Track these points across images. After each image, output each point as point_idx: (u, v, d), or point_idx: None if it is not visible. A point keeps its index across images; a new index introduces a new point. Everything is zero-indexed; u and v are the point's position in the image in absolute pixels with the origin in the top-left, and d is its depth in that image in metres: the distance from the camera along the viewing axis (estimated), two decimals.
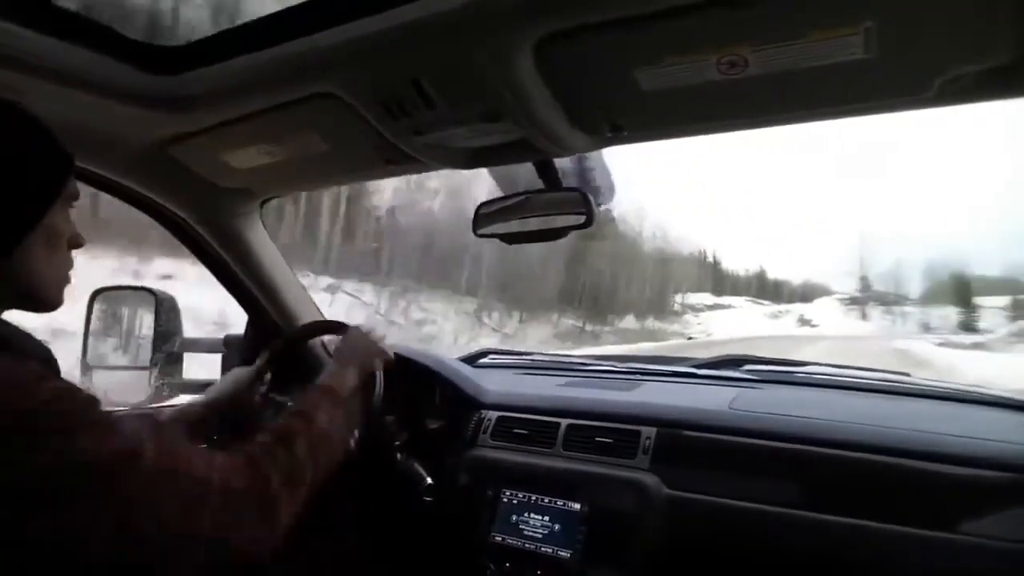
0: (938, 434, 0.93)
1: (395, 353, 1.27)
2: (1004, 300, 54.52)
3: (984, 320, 50.88)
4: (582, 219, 0.98)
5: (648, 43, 0.67)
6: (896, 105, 0.75)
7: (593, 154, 1.05)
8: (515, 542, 1.08)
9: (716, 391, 1.23)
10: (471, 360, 1.62)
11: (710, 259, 73.45)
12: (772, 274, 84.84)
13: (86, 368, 1.31)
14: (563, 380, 1.40)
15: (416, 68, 0.77)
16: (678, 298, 51.32)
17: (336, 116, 0.89)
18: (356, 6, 0.71)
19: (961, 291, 57.07)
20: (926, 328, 48.88)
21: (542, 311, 25.43)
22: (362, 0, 0.70)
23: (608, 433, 1.12)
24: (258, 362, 1.14)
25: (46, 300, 0.66)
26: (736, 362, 1.40)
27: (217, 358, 1.49)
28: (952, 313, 53.26)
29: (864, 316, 50.41)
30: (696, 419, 1.08)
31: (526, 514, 1.09)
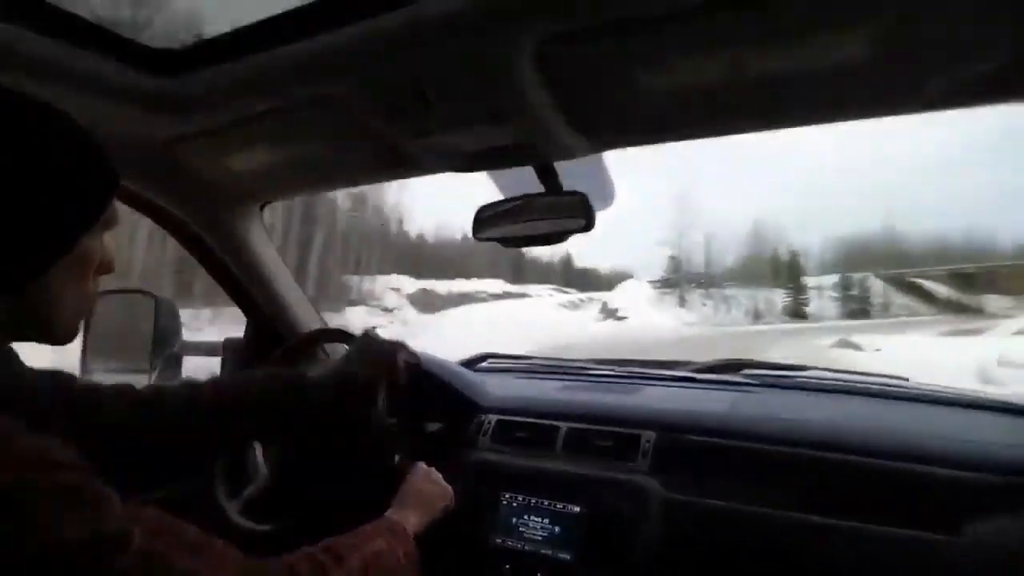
0: (936, 438, 0.93)
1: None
2: (834, 279, 43.41)
3: (815, 304, 40.49)
4: (582, 223, 0.98)
5: (649, 46, 0.67)
6: (896, 108, 0.75)
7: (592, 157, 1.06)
8: (515, 545, 1.07)
9: (716, 395, 1.24)
10: (471, 364, 1.62)
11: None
12: (580, 262, 67.87)
13: (85, 370, 1.31)
14: (563, 383, 1.40)
15: (416, 71, 0.77)
16: (367, 283, 30.79)
17: (336, 119, 0.89)
18: (356, 9, 0.71)
19: (787, 271, 44.16)
20: (755, 315, 38.52)
21: None
22: (362, 3, 0.70)
23: (608, 436, 1.12)
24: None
25: (59, 334, 0.57)
26: (736, 367, 1.40)
27: (216, 361, 1.49)
28: (779, 297, 41.39)
29: (683, 303, 38.80)
30: (696, 423, 1.08)
31: (526, 517, 1.08)
